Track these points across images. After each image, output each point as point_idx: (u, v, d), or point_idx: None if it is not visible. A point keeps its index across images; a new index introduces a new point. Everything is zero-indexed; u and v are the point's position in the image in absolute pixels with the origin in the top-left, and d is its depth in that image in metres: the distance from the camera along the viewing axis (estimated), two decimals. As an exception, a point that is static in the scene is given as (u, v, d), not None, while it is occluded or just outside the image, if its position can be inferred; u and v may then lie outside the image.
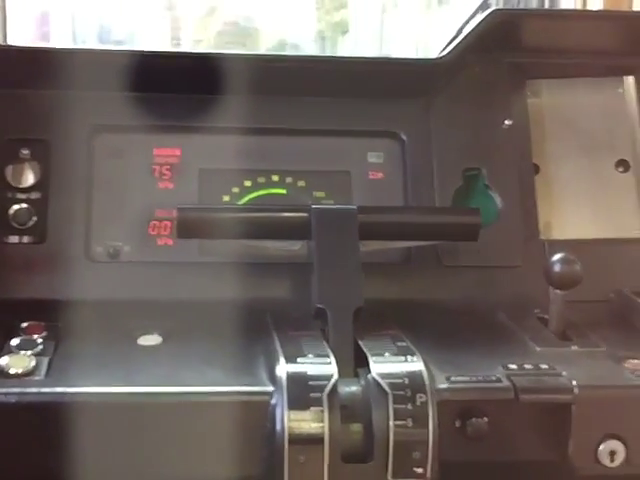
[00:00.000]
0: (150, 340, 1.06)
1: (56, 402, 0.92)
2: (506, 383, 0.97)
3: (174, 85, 1.26)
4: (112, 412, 0.93)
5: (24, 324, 1.06)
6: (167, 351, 1.04)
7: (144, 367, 0.98)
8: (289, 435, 0.90)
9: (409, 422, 0.92)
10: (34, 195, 1.22)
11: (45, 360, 0.98)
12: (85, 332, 1.07)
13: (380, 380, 0.94)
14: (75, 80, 1.22)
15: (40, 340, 1.02)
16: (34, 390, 0.92)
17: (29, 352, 0.99)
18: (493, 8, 1.27)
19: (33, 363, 0.96)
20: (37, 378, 0.94)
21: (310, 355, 0.98)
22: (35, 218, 1.21)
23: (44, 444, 0.91)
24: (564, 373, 0.99)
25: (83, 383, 0.94)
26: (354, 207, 1.14)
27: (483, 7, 1.36)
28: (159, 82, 1.25)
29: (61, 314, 1.10)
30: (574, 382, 0.97)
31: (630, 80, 1.37)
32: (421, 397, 0.93)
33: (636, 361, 1.04)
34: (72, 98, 1.24)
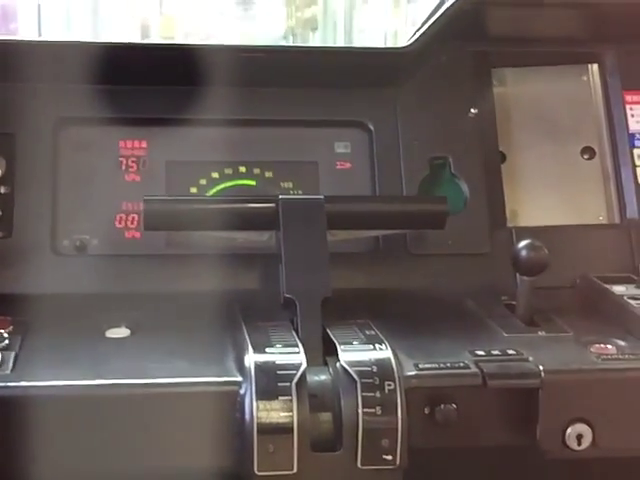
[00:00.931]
0: (118, 333, 1.05)
1: (23, 396, 0.91)
2: (474, 369, 0.98)
3: (140, 77, 1.25)
4: (79, 405, 0.92)
5: (-10, 319, 1.05)
6: (135, 344, 1.03)
7: (112, 360, 0.98)
8: (258, 425, 0.90)
9: (378, 410, 0.92)
10: (0, 189, 1.21)
11: (11, 354, 0.97)
12: (52, 326, 1.06)
13: (349, 368, 0.94)
14: (40, 72, 1.21)
15: (6, 335, 1.02)
16: (0, 384, 0.91)
17: (-5, 347, 0.98)
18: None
19: (-1, 357, 0.95)
20: (3, 372, 0.94)
21: (278, 345, 0.98)
22: (0, 212, 1.20)
23: (11, 439, 0.91)
24: (531, 358, 1.00)
25: (50, 377, 0.93)
26: (321, 197, 1.14)
27: (448, -3, 1.35)
28: (125, 74, 1.24)
29: (28, 308, 1.09)
30: (541, 367, 0.98)
31: (595, 68, 1.38)
32: (389, 385, 0.93)
33: (602, 345, 1.05)
34: (37, 91, 1.23)
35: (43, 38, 1.42)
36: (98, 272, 1.19)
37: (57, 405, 0.91)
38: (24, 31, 3.99)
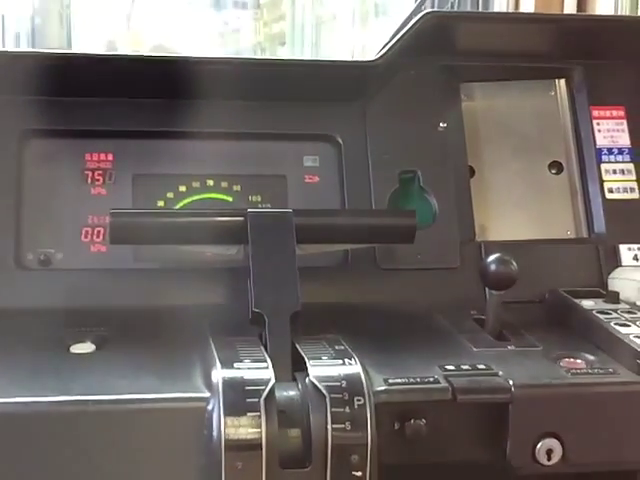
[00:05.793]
0: (83, 348, 1.04)
1: None
2: (444, 384, 0.97)
3: (105, 89, 1.24)
4: (44, 422, 0.90)
5: (-48, 334, 1.03)
6: (100, 359, 1.02)
7: (77, 376, 0.96)
8: (226, 441, 0.89)
9: (347, 425, 0.91)
10: None
11: (-26, 370, 0.95)
12: (16, 341, 1.04)
13: (318, 383, 0.93)
14: (3, 84, 1.19)
15: (-32, 350, 1.00)
16: None
17: (-43, 363, 0.96)
18: (427, 10, 1.28)
19: (-40, 374, 0.93)
20: (-35, 389, 0.92)
21: (247, 360, 0.96)
22: None
23: None
24: (501, 373, 1.00)
25: (13, 393, 0.91)
26: (290, 211, 1.13)
27: (416, 11, 1.36)
28: (90, 87, 1.23)
29: None
30: (511, 382, 0.98)
31: (562, 83, 1.39)
32: (359, 400, 0.92)
33: (572, 360, 1.05)
34: (0, 103, 1.21)
35: (5, 49, 1.39)
36: (63, 286, 1.17)
37: (20, 422, 0.89)
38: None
